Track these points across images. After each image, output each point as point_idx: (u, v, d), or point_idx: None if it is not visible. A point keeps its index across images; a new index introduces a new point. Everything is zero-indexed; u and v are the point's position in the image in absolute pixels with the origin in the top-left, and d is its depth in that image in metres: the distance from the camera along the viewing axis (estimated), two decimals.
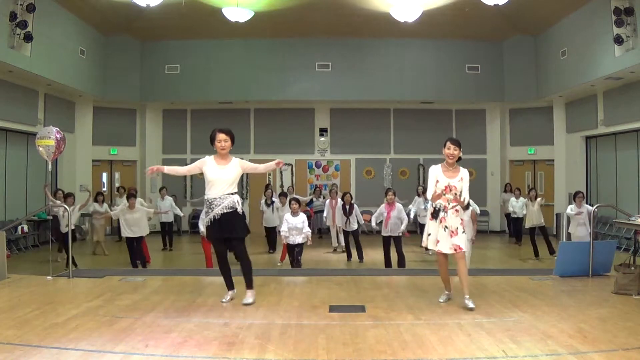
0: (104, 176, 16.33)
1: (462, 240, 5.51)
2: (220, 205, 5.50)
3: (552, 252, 11.00)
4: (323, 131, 16.97)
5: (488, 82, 15.73)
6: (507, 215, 14.24)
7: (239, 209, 5.59)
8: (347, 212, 11.26)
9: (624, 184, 12.75)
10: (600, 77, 11.94)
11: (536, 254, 11.24)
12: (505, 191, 15.31)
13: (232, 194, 5.58)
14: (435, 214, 5.53)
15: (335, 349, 4.10)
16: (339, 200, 11.87)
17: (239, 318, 5.01)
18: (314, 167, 17.06)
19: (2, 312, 5.10)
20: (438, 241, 5.50)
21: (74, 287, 6.56)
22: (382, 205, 9.68)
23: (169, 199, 12.52)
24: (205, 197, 5.59)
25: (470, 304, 5.27)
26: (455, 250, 5.43)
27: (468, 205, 8.97)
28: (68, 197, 10.43)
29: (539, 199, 11.21)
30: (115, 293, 6.06)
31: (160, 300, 5.74)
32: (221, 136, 5.71)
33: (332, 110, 16.86)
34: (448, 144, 5.65)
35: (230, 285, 5.75)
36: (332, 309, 5.38)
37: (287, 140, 16.71)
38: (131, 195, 9.83)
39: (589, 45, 12.13)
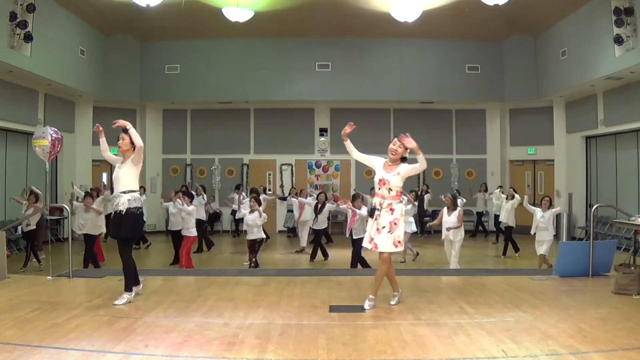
0: (104, 176, 16.31)
1: (384, 241, 5.27)
2: (115, 203, 5.62)
3: (504, 253, 11.83)
4: (323, 131, 16.96)
5: (488, 82, 15.72)
6: (479, 213, 15.50)
7: (123, 209, 5.53)
8: (318, 211, 11.33)
9: (624, 184, 12.75)
10: (600, 77, 11.95)
11: (516, 249, 11.79)
12: (480, 191, 15.40)
13: (125, 192, 5.64)
14: (371, 213, 5.41)
15: (335, 349, 4.10)
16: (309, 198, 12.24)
17: (239, 318, 5.01)
18: (314, 167, 17.06)
19: (2, 312, 5.10)
20: (370, 240, 5.39)
21: (74, 287, 6.56)
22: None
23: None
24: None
25: (367, 305, 5.32)
26: (374, 248, 5.34)
27: (456, 205, 9.01)
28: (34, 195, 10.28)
29: (515, 199, 11.39)
30: (115, 293, 6.05)
31: (160, 300, 5.74)
32: (121, 135, 5.84)
33: (332, 110, 16.85)
34: (395, 139, 5.40)
35: (136, 280, 5.79)
36: (332, 309, 5.37)
37: (287, 140, 16.73)
38: (87, 194, 9.84)
39: (589, 45, 12.13)
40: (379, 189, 5.38)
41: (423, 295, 5.96)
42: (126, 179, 5.74)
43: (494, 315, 5.08)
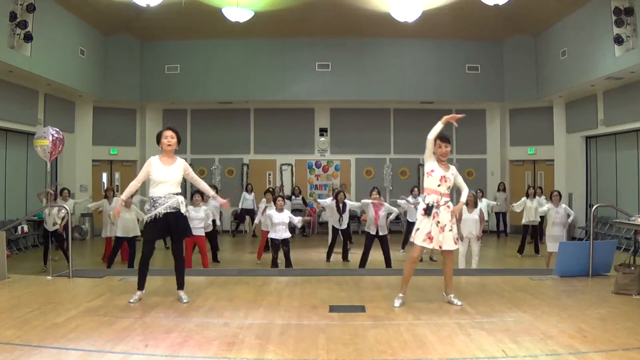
0: (104, 176, 16.33)
1: (449, 239, 5.45)
2: (164, 204, 5.50)
3: (537, 251, 11.71)
4: (323, 131, 16.98)
5: (488, 82, 15.73)
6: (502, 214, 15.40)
7: (183, 210, 5.62)
8: (341, 211, 10.88)
9: (624, 184, 12.75)
10: (600, 77, 11.94)
11: (521, 250, 11.70)
12: (498, 190, 15.42)
13: (176, 194, 5.60)
14: (428, 211, 5.36)
15: (335, 349, 4.09)
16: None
17: (239, 318, 5.01)
18: (314, 167, 17.07)
19: (2, 312, 5.09)
20: (431, 238, 5.36)
21: (74, 287, 6.56)
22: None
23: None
24: (150, 195, 5.61)
25: (458, 301, 5.43)
26: (438, 246, 5.42)
27: (477, 203, 9.04)
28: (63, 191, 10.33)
29: (537, 198, 11.62)
30: (115, 293, 6.06)
31: (160, 300, 5.73)
32: (168, 133, 5.68)
33: (332, 110, 16.87)
34: (440, 142, 5.41)
35: (142, 286, 5.68)
36: (332, 309, 5.37)
37: (287, 140, 16.74)
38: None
39: (589, 45, 12.13)
40: (439, 185, 5.40)
41: (423, 295, 5.96)
42: (179, 184, 5.69)
43: (494, 315, 5.08)
